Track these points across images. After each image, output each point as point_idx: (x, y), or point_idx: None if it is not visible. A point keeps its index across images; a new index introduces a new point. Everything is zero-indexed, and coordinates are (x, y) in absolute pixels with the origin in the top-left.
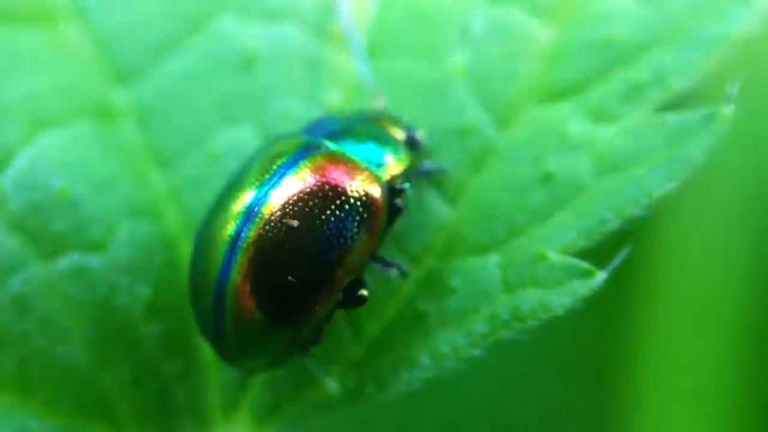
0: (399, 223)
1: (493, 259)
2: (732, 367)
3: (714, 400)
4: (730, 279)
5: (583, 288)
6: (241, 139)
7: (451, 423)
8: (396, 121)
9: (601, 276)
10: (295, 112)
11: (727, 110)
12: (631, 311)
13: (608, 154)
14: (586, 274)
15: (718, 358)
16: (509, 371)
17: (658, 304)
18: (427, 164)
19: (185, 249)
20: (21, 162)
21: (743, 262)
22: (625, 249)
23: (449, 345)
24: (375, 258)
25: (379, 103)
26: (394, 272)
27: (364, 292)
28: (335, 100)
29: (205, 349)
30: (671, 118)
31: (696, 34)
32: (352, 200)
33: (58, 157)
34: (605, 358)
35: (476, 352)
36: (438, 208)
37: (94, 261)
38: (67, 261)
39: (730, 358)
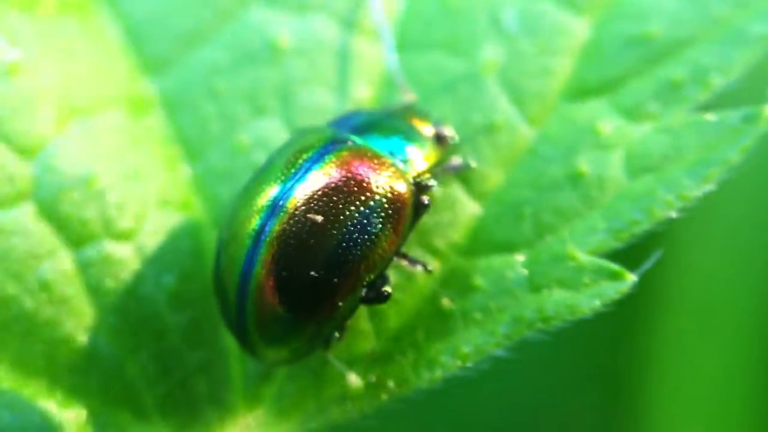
0: (425, 219)
1: (519, 258)
2: (745, 374)
3: (727, 408)
4: (744, 288)
5: (611, 290)
6: (269, 131)
7: (467, 422)
8: (424, 116)
9: (631, 279)
10: (323, 104)
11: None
12: (647, 315)
13: (641, 154)
14: (615, 276)
15: (732, 366)
16: (526, 370)
17: (673, 311)
18: (455, 160)
19: (211, 239)
20: (52, 150)
21: (757, 271)
22: (656, 252)
23: (471, 344)
24: (399, 254)
25: (408, 98)
26: (419, 269)
27: (388, 289)
28: (364, 93)
29: (229, 340)
30: (709, 117)
31: (737, 31)
32: (377, 196)
33: (88, 146)
34: (620, 362)
35: (499, 352)
36: (465, 204)
37: (121, 250)
38: (95, 249)
39: (743, 365)
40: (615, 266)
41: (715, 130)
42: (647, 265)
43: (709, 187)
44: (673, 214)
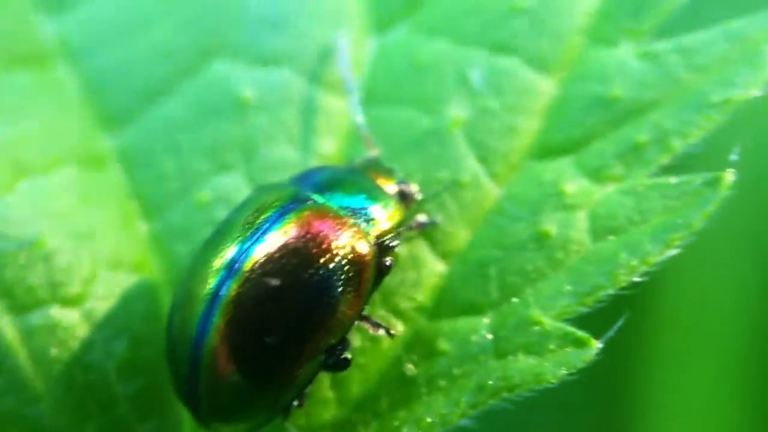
0: (389, 279)
1: (484, 321)
2: (740, 377)
3: (722, 411)
4: (740, 290)
5: (577, 359)
6: (231, 186)
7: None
8: (389, 173)
9: (596, 346)
10: (287, 159)
11: (729, 176)
12: (643, 322)
13: (605, 215)
14: (580, 344)
15: (727, 369)
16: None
17: (668, 330)
18: (421, 217)
19: (166, 301)
20: None
21: (753, 276)
22: (621, 318)
23: (435, 414)
24: (362, 317)
25: (373, 153)
26: (381, 333)
27: (348, 355)
28: (329, 148)
29: (182, 410)
30: (671, 180)
31: (698, 96)
32: (338, 258)
33: (37, 206)
34: (617, 373)
35: (464, 422)
36: (430, 263)
37: (68, 315)
38: (40, 315)
39: (738, 367)
40: (580, 333)
41: (678, 194)
42: (611, 332)
43: (673, 252)
44: (637, 279)
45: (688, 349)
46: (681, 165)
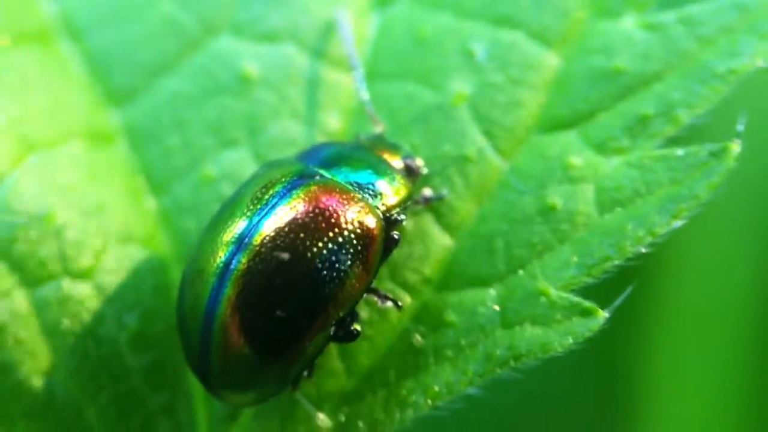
0: (396, 253)
1: (491, 293)
2: (738, 374)
3: (719, 408)
4: (739, 287)
5: (583, 327)
6: (237, 162)
7: (457, 418)
8: (395, 149)
9: (603, 316)
10: (292, 135)
11: (735, 147)
12: (642, 315)
13: (612, 188)
14: (587, 313)
15: (725, 368)
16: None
17: (667, 316)
18: (427, 192)
19: (176, 276)
20: (7, 187)
21: (749, 277)
22: (629, 287)
23: (443, 383)
24: (370, 290)
25: (378, 129)
26: (389, 305)
27: (357, 327)
28: (334, 124)
29: (194, 381)
30: (677, 152)
31: (703, 67)
32: (346, 232)
33: (46, 181)
34: (614, 362)
35: (472, 391)
36: (437, 237)
37: (80, 288)
38: (52, 288)
39: (736, 365)
40: (587, 303)
41: (684, 165)
42: (618, 301)
43: (680, 222)
44: (643, 250)
45: (692, 318)
46: (687, 136)
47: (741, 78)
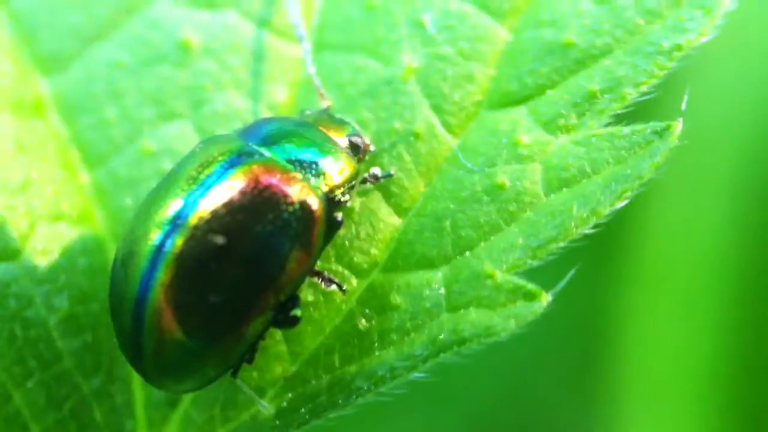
0: (343, 233)
1: (438, 275)
2: (715, 355)
3: (696, 389)
4: (713, 267)
5: (527, 311)
6: (178, 136)
7: (433, 412)
8: (341, 125)
9: (546, 299)
10: (236, 108)
11: (678, 125)
12: (616, 299)
13: (558, 167)
14: (530, 296)
15: (701, 346)
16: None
17: (641, 293)
18: (375, 170)
19: (112, 255)
20: None
21: (726, 251)
22: (571, 270)
23: (387, 367)
24: (313, 272)
25: (325, 103)
26: (334, 288)
27: (297, 312)
28: (281, 96)
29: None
30: (623, 131)
31: (649, 42)
32: (285, 214)
33: None
34: (590, 346)
35: (416, 375)
36: (385, 216)
37: (5, 269)
38: None
39: (713, 345)
40: (531, 286)
41: (629, 144)
42: (562, 284)
43: (623, 203)
44: (588, 231)
45: (666, 279)
46: (636, 112)
47: (687, 53)
